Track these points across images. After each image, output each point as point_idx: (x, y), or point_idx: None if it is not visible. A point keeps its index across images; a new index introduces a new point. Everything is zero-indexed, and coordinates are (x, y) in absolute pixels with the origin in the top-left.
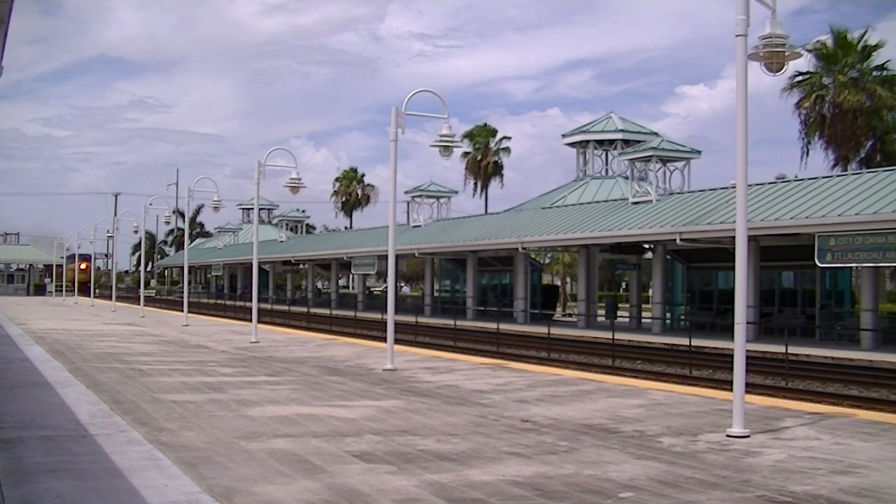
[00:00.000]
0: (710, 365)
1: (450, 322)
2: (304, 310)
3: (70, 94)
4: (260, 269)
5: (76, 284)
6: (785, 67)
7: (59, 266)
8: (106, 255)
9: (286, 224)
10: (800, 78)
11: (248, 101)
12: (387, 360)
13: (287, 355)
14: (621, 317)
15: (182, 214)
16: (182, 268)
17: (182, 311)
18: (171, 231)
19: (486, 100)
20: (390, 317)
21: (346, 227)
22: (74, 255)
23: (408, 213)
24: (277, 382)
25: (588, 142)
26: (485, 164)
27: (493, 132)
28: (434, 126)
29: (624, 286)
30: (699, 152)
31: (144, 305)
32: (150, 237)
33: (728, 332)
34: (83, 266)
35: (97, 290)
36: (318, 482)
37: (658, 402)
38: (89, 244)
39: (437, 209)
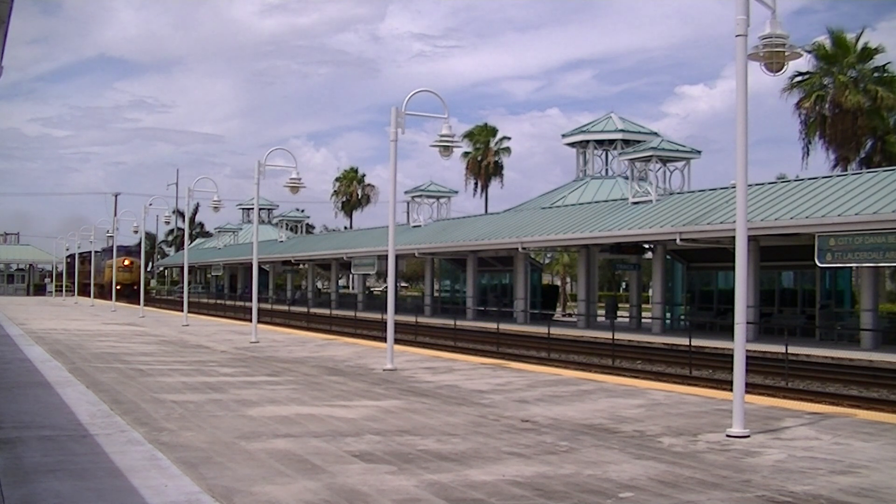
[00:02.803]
0: (710, 365)
1: (450, 322)
2: (304, 310)
3: (70, 94)
4: (260, 269)
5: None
6: (785, 67)
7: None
8: None
9: (286, 224)
10: (800, 78)
11: (247, 101)
12: (387, 360)
13: (287, 355)
14: (621, 317)
15: (182, 214)
16: (182, 268)
17: (182, 311)
18: (171, 231)
19: (485, 100)
20: (390, 317)
21: (346, 227)
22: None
23: (408, 213)
24: (277, 382)
25: (588, 142)
26: (485, 164)
27: (493, 132)
28: (434, 126)
29: (624, 286)
30: (699, 152)
31: (144, 305)
32: (150, 237)
33: (728, 332)
34: (127, 262)
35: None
36: (318, 482)
37: (658, 402)
38: (90, 244)
39: (437, 209)
